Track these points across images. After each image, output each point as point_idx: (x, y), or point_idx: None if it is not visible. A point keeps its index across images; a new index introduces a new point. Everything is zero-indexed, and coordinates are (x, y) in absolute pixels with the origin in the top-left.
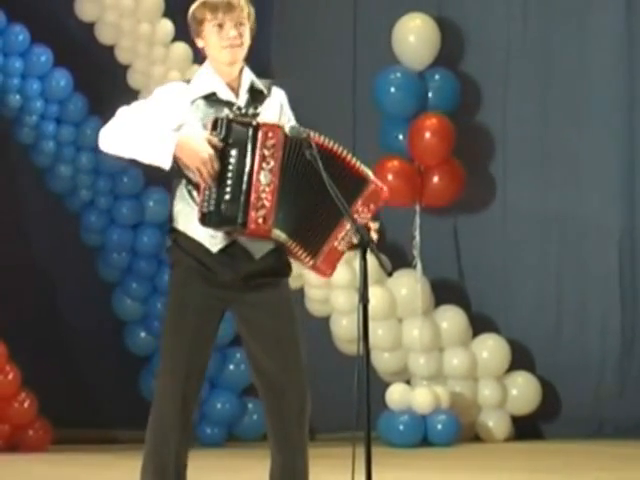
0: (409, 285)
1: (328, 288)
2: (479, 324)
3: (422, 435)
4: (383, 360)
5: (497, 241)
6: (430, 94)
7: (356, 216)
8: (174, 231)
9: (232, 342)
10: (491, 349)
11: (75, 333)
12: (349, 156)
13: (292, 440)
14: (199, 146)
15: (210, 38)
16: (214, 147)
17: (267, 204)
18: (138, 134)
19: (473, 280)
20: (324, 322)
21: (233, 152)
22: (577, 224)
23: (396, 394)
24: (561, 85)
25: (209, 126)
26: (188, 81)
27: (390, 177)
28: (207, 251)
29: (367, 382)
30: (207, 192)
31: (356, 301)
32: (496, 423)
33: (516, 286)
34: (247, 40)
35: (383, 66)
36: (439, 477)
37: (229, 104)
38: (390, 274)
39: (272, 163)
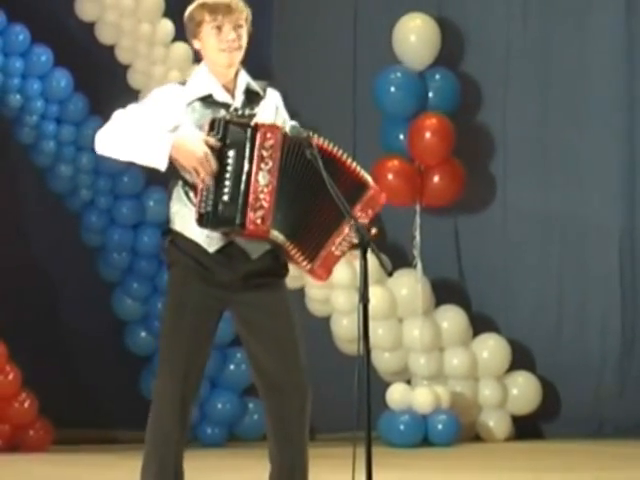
0: (409, 285)
1: (328, 288)
2: (479, 324)
3: (422, 435)
4: (383, 360)
5: (497, 241)
6: (430, 94)
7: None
8: (171, 232)
9: (232, 342)
10: (491, 349)
11: (75, 333)
12: (349, 160)
13: (292, 440)
14: (195, 146)
15: (208, 40)
16: (211, 148)
17: (265, 205)
18: (133, 136)
19: (473, 280)
20: (324, 322)
21: (231, 153)
22: (577, 224)
23: (396, 394)
24: (561, 85)
25: (206, 127)
26: (184, 83)
27: (390, 177)
28: (204, 251)
29: (367, 382)
30: (205, 193)
31: (356, 301)
32: (496, 423)
33: (516, 286)
34: (245, 43)
35: (383, 66)
36: (440, 477)
37: (225, 106)
38: (390, 274)
39: (270, 164)
